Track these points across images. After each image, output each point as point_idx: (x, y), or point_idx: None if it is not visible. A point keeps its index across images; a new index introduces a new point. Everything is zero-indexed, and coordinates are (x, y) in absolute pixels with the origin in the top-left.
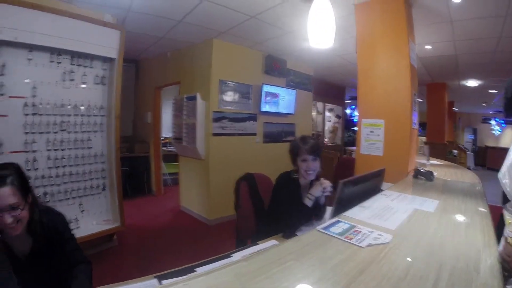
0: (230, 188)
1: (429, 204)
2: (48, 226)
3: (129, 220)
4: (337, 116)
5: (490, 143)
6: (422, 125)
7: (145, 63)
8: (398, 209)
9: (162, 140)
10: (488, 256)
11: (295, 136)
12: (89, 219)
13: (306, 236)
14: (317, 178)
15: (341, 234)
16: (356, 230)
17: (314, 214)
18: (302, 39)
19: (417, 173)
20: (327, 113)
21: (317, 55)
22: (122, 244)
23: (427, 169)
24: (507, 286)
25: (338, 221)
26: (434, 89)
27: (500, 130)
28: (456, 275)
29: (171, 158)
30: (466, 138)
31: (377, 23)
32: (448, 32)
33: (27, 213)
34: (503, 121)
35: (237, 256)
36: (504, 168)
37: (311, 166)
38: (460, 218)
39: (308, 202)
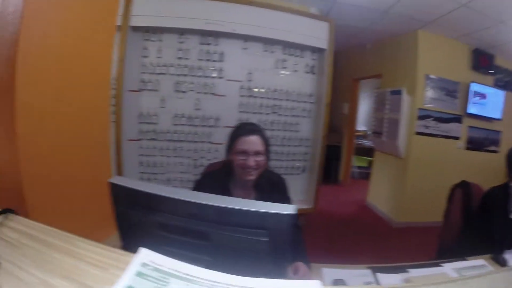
0: (427, 192)
1: None
2: (274, 183)
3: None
4: None
5: None
6: None
7: (343, 54)
8: None
9: (356, 132)
10: None
11: (498, 147)
12: None
13: None
14: None
15: None
16: None
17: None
18: None
19: None
20: None
21: None
22: (309, 224)
23: None
24: None
25: None
26: None
27: None
28: None
29: (362, 151)
30: None
31: None
32: None
33: (265, 163)
34: None
35: (447, 266)
36: None
37: None
38: None
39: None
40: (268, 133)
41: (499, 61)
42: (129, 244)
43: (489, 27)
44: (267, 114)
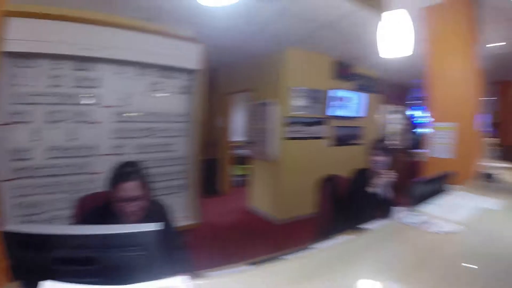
0: (300, 188)
1: (494, 203)
2: (156, 213)
3: (202, 217)
4: (404, 118)
5: None
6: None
7: (217, 71)
8: (467, 206)
9: (232, 143)
10: None
11: (361, 139)
12: None
13: (384, 226)
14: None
15: (417, 223)
16: (430, 221)
17: (380, 208)
18: (371, 45)
19: (484, 175)
20: (393, 115)
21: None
22: (196, 239)
23: (495, 171)
24: None
25: (414, 214)
26: (504, 88)
27: None
28: None
29: (241, 160)
30: None
31: (445, 27)
32: None
33: (145, 204)
34: None
35: (317, 247)
36: None
37: (378, 159)
38: None
39: (371, 190)
40: (145, 156)
41: (359, 69)
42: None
43: (348, 43)
44: (144, 137)
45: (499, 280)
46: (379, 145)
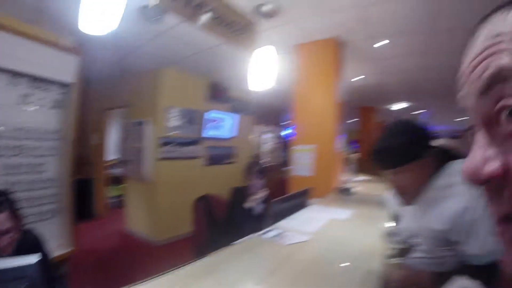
0: (177, 208)
1: (345, 213)
2: (28, 245)
3: (78, 244)
4: (276, 138)
5: None
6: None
7: (94, 85)
8: (320, 218)
9: (107, 162)
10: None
11: (235, 158)
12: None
13: (246, 241)
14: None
15: (272, 238)
16: (284, 234)
17: (253, 224)
18: (243, 72)
19: (340, 189)
20: (266, 135)
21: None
22: (73, 268)
23: (351, 185)
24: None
25: (271, 229)
26: (365, 112)
27: None
28: (356, 259)
29: (116, 180)
30: None
31: (312, 62)
32: (375, 66)
33: (17, 235)
34: None
35: (189, 264)
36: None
37: (254, 182)
38: (367, 222)
39: (246, 207)
40: (13, 178)
41: (233, 92)
42: None
43: (224, 68)
44: (11, 156)
45: (339, 276)
46: (254, 169)
